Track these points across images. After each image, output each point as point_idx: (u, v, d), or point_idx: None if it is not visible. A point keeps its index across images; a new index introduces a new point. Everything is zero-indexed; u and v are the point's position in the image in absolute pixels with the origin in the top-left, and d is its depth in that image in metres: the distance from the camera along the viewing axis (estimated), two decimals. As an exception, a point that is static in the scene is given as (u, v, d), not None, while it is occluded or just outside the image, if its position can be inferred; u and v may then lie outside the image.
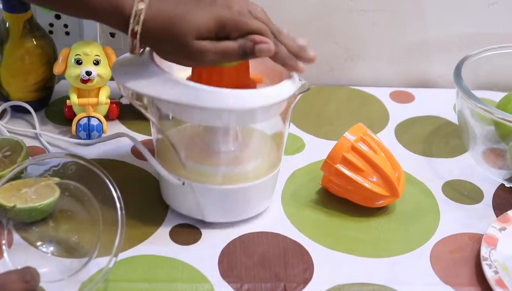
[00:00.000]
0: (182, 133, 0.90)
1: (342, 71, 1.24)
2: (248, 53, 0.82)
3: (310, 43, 0.90)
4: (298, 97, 0.87)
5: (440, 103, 1.18)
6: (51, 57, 1.08)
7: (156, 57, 0.87)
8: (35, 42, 1.07)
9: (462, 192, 1.01)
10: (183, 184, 0.90)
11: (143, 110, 0.88)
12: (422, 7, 1.19)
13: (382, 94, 1.21)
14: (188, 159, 0.90)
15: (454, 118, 1.12)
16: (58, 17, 1.14)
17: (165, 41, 0.81)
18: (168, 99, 0.83)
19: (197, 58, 0.81)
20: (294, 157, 1.06)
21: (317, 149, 1.06)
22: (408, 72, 1.25)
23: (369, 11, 1.19)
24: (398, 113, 1.17)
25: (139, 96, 0.86)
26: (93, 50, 1.05)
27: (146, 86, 0.84)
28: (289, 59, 0.86)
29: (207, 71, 0.87)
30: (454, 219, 0.97)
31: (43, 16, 1.12)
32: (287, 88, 0.86)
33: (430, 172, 1.05)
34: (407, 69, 1.25)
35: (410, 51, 1.23)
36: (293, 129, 1.10)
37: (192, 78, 0.89)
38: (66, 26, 1.15)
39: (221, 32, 0.81)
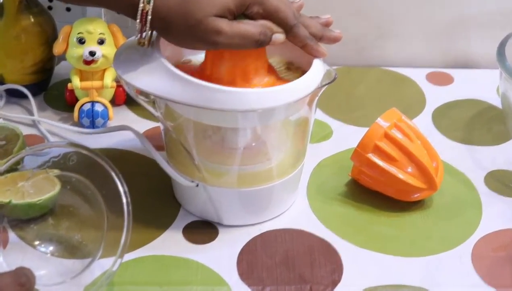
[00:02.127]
0: (194, 130, 0.87)
1: (373, 50, 1.23)
2: (265, 43, 0.82)
3: (337, 20, 0.89)
4: (324, 88, 0.86)
5: (482, 85, 1.17)
6: (51, 36, 1.07)
7: (163, 50, 0.84)
8: (32, 20, 1.06)
9: (507, 183, 0.99)
10: (197, 185, 0.89)
11: (149, 107, 0.86)
12: (462, -21, 1.20)
13: (418, 75, 1.21)
14: (202, 159, 0.88)
15: (497, 102, 1.11)
16: (58, -9, 1.15)
17: (177, 20, 0.79)
18: (180, 101, 0.81)
19: (211, 39, 0.80)
20: (320, 145, 1.05)
21: (346, 137, 1.05)
22: (446, 52, 1.24)
23: (403, -16, 1.20)
24: (436, 96, 1.16)
25: (144, 92, 0.83)
26: (97, 28, 1.03)
27: (157, 85, 0.81)
28: (309, 41, 0.85)
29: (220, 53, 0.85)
30: (498, 213, 0.95)
31: (41, -10, 1.12)
32: (311, 80, 0.84)
33: (471, 161, 1.03)
34: (445, 48, 1.23)
35: (448, 28, 1.21)
36: (319, 115, 1.10)
37: (205, 63, 0.87)
38: (67, 1, 1.16)
39: (241, 7, 0.81)
